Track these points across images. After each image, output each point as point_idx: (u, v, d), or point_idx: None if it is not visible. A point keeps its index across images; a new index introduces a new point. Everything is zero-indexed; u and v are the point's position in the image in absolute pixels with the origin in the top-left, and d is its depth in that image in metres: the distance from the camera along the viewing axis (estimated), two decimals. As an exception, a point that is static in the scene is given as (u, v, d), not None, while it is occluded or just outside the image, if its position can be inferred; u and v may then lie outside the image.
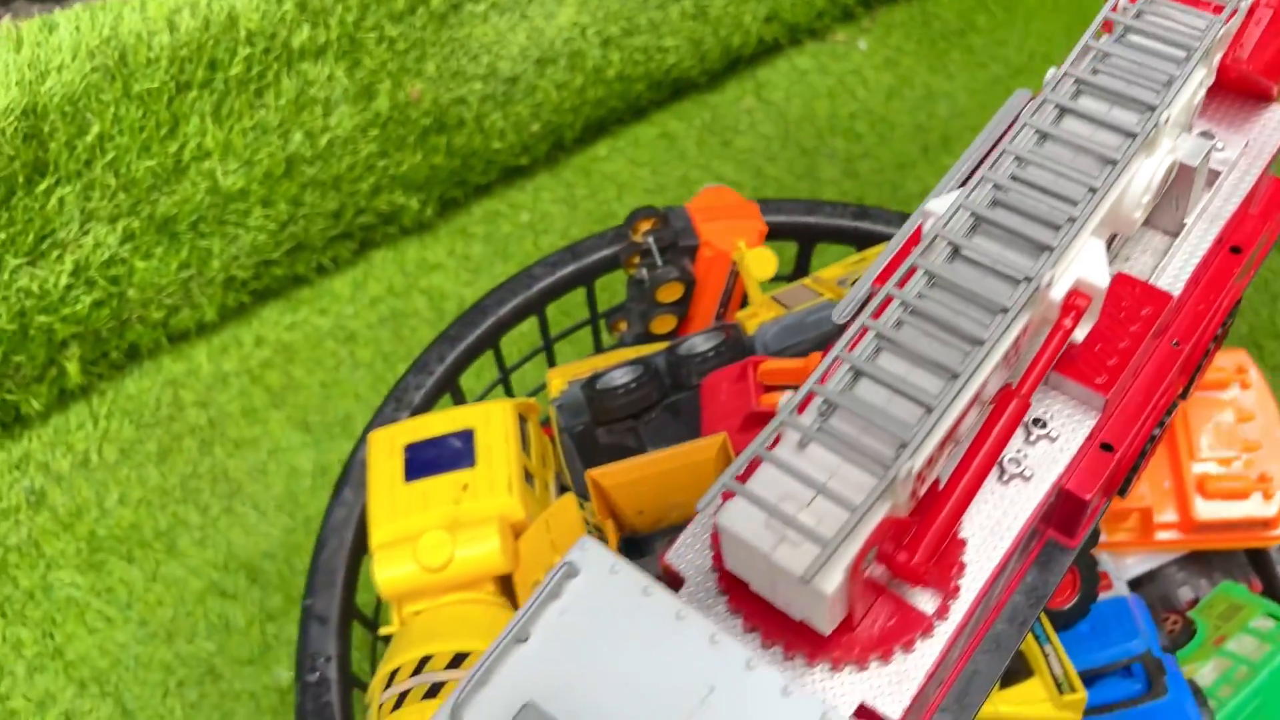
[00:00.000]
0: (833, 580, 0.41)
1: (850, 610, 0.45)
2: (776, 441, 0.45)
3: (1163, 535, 0.73)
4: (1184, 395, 0.60)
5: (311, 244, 1.32)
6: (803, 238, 0.92)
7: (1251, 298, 1.32)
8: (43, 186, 1.14)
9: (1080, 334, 0.49)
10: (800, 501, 0.42)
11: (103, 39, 1.13)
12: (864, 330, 0.46)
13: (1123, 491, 0.59)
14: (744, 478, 0.44)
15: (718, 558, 0.48)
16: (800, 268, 0.98)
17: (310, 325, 1.35)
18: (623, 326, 0.96)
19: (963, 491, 0.46)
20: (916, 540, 0.45)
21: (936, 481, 0.48)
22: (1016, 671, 0.58)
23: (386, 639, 0.75)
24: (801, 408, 0.44)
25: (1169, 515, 0.73)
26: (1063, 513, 0.55)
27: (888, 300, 0.47)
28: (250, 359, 1.33)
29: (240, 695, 1.14)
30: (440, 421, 0.76)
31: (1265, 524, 0.71)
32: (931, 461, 0.45)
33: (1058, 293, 0.47)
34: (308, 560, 1.18)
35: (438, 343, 0.86)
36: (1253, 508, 0.71)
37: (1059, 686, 0.57)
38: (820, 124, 1.52)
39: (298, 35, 1.20)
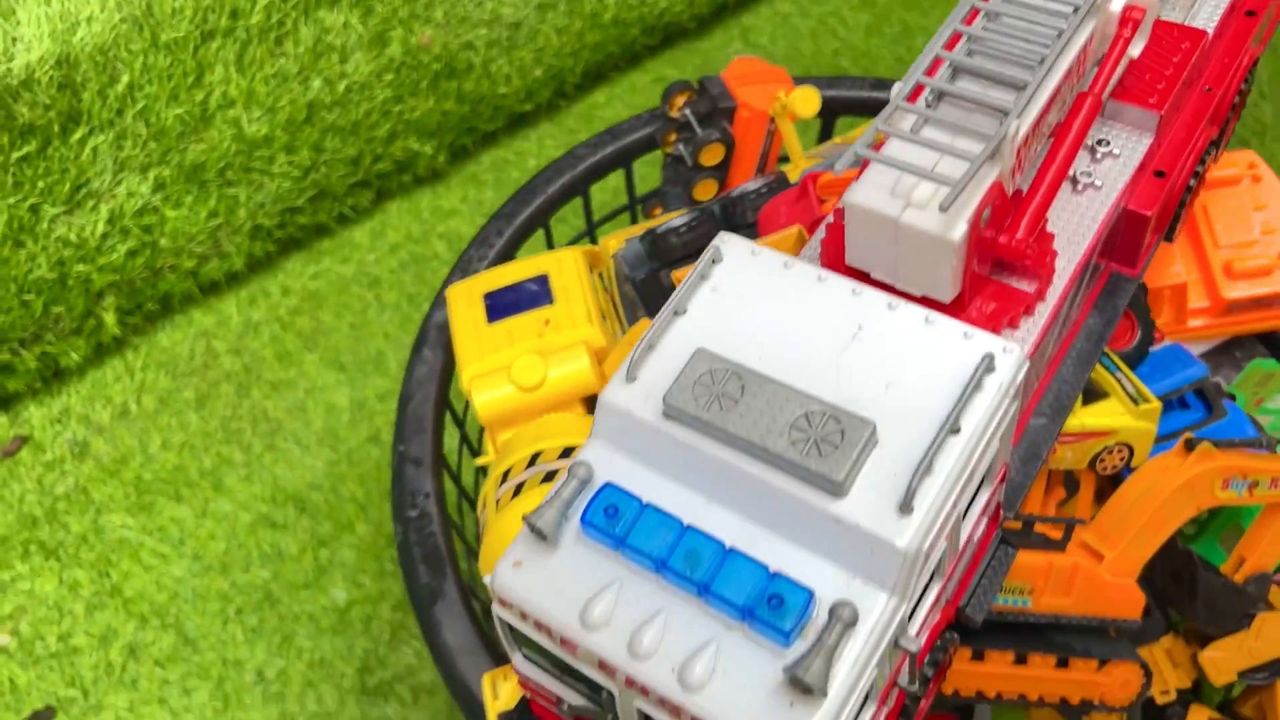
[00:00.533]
0: (959, 229, 0.46)
1: (963, 288, 0.50)
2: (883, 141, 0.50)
3: (1195, 323, 0.79)
4: (1217, 144, 0.66)
5: (333, 191, 1.36)
6: (825, 111, 0.98)
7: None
8: (77, 136, 1.18)
9: (1136, 48, 0.55)
10: (925, 165, 0.47)
11: (129, -10, 1.17)
12: (956, 36, 0.51)
13: (1170, 235, 0.65)
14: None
15: (830, 258, 0.52)
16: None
17: (334, 273, 1.39)
18: (658, 212, 1.01)
19: (1052, 178, 0.52)
20: (1016, 222, 0.51)
21: (1019, 191, 0.53)
22: (1093, 393, 0.63)
23: (482, 471, 0.78)
24: (911, 98, 0.50)
25: (1200, 301, 0.79)
26: (1125, 241, 0.60)
27: (957, 36, 0.52)
28: (279, 307, 1.36)
29: (299, 617, 1.16)
30: (515, 270, 0.80)
31: (1288, 297, 0.77)
32: (1027, 142, 0.50)
33: (1116, 5, 0.53)
34: (353, 489, 1.22)
35: (495, 219, 0.91)
36: (1276, 282, 0.77)
37: (1134, 400, 0.62)
38: (806, 62, 1.59)
39: (314, -17, 1.25)
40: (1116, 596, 0.60)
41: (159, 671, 1.13)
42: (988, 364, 0.44)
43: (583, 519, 0.44)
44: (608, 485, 0.44)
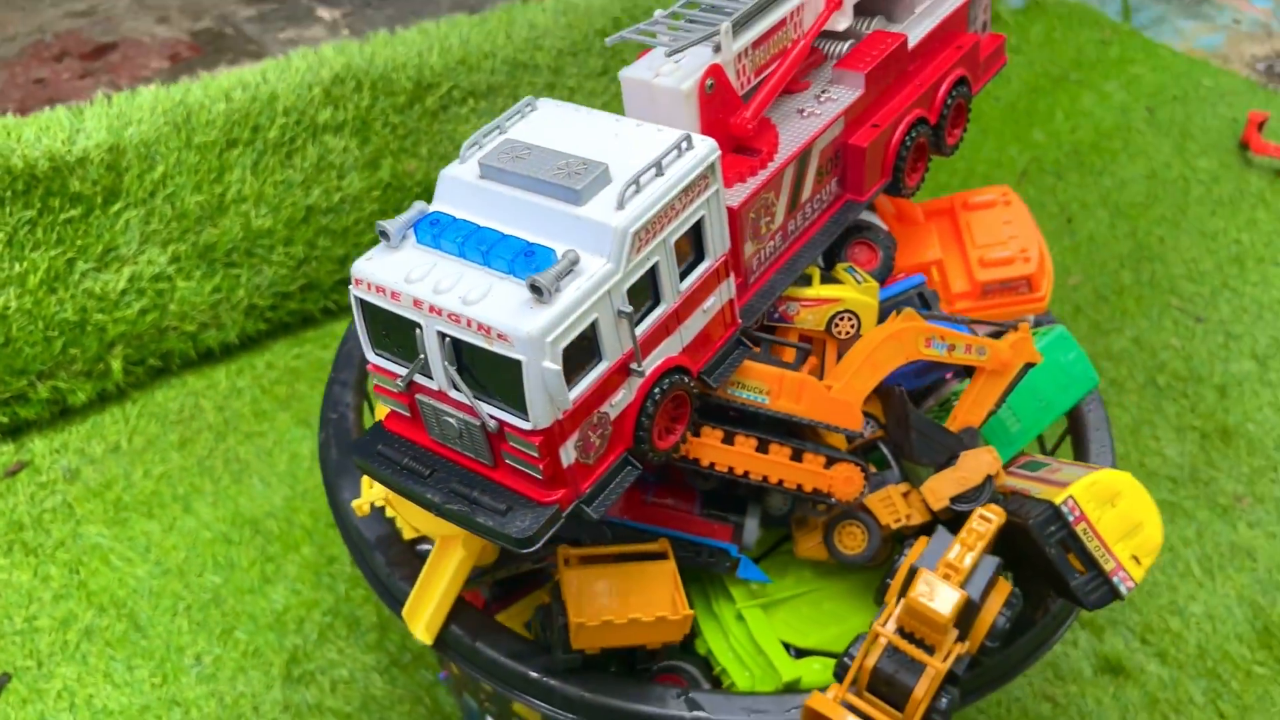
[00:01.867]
0: (687, 84, 0.70)
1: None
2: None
3: (960, 304, 1.01)
4: (937, 132, 0.91)
5: (321, 284, 1.62)
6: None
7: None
8: (115, 209, 1.45)
9: (840, 24, 0.82)
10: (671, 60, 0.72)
11: (174, 102, 1.49)
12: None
13: (896, 187, 0.88)
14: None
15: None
16: None
17: (315, 355, 1.62)
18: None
19: (769, 89, 0.76)
20: (743, 112, 0.75)
21: (753, 100, 0.77)
22: (831, 280, 0.84)
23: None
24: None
25: (962, 286, 1.01)
26: (851, 172, 0.84)
27: None
28: (262, 378, 1.58)
29: (240, 615, 1.31)
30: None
31: (1028, 280, 0.99)
32: (748, 53, 0.75)
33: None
34: (304, 519, 1.40)
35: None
36: (1018, 268, 0.99)
37: (859, 281, 0.83)
38: None
39: (322, 113, 1.57)
40: (840, 409, 0.78)
41: (108, 651, 1.27)
42: (688, 143, 0.66)
43: (414, 228, 0.65)
44: (434, 211, 0.66)
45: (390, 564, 0.86)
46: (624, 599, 0.76)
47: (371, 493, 0.86)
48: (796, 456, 0.78)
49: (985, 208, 1.05)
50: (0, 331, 1.39)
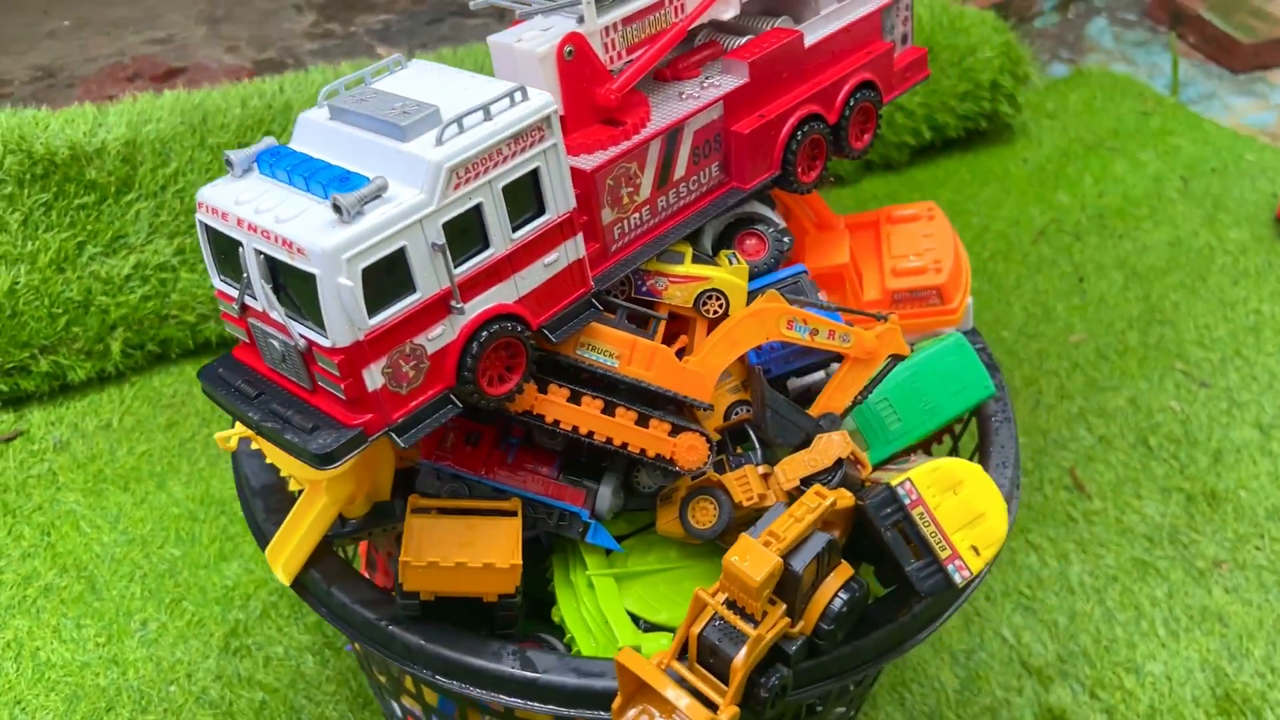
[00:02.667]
0: (544, 48, 0.74)
1: (568, 114, 0.77)
2: None
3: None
4: (837, 132, 0.92)
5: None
6: None
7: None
8: (127, 199, 1.54)
9: (725, 13, 0.84)
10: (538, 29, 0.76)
11: (193, 105, 1.58)
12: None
13: (787, 182, 0.90)
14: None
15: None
16: None
17: (307, 355, 1.68)
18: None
19: (639, 65, 0.79)
20: (610, 85, 0.78)
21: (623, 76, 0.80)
22: (705, 262, 0.85)
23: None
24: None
25: (874, 294, 1.01)
26: (735, 159, 0.86)
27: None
28: (255, 372, 1.65)
29: (191, 588, 1.35)
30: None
31: (938, 291, 0.99)
32: (616, 28, 0.78)
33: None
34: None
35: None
36: (928, 279, 0.99)
37: (732, 262, 0.84)
38: None
39: (333, 125, 1.64)
40: (690, 380, 0.79)
41: (62, 608, 1.32)
42: (523, 95, 0.69)
43: (256, 160, 0.69)
44: (276, 145, 0.70)
45: (268, 510, 0.89)
46: (460, 547, 0.78)
47: (237, 429, 0.89)
48: (642, 422, 0.79)
49: (908, 221, 1.05)
50: (8, 305, 1.48)
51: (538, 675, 0.77)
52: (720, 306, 0.83)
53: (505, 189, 0.69)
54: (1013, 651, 1.31)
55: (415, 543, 0.77)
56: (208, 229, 0.69)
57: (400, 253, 0.65)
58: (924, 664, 1.29)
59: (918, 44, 0.98)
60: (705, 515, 0.83)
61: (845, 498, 0.77)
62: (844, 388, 0.84)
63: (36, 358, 1.52)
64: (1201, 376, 1.70)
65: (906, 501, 0.75)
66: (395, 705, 1.05)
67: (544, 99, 0.70)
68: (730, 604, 0.73)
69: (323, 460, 0.65)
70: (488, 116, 0.68)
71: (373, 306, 0.64)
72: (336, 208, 0.63)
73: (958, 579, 0.75)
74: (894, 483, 0.76)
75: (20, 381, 1.53)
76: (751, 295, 0.86)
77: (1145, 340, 1.76)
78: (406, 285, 0.66)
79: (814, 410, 0.84)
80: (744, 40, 0.88)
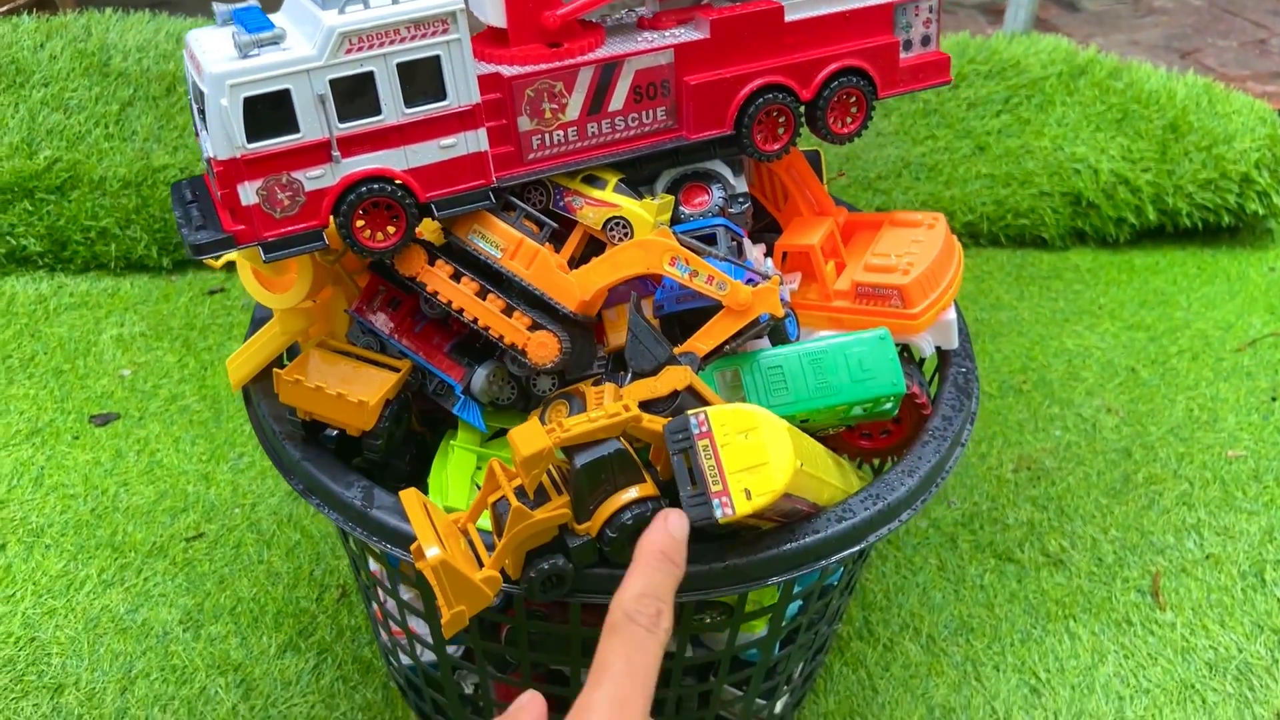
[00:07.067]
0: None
1: (513, 30, 0.87)
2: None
3: (837, 303, 1.01)
4: (812, 111, 0.95)
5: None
6: None
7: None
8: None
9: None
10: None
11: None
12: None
13: (741, 145, 0.94)
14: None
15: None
16: None
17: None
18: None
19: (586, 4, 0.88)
20: (558, 11, 0.87)
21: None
22: (625, 192, 0.91)
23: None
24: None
25: (843, 284, 1.01)
26: (684, 108, 0.92)
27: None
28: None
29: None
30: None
31: (900, 292, 0.97)
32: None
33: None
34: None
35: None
36: (892, 278, 0.98)
37: (650, 198, 0.90)
38: None
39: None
40: (561, 286, 0.84)
41: (188, 426, 1.58)
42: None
43: (232, 14, 0.85)
44: (251, 6, 0.85)
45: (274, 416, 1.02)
46: (335, 380, 0.89)
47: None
48: (508, 312, 0.87)
49: (906, 225, 1.05)
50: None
51: (370, 509, 0.87)
52: (624, 234, 0.90)
53: (401, 66, 0.80)
54: (998, 728, 1.23)
55: (300, 365, 0.90)
56: (186, 65, 0.86)
57: (286, 94, 0.77)
58: (899, 709, 1.25)
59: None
60: (558, 414, 0.89)
61: (656, 422, 0.81)
62: (712, 334, 0.87)
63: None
64: (1365, 530, 1.49)
65: (695, 432, 0.78)
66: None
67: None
68: (521, 490, 0.80)
69: (194, 250, 0.79)
70: (395, 1, 0.79)
71: (253, 133, 0.77)
72: (237, 45, 0.76)
73: (718, 514, 0.77)
74: (692, 413, 0.79)
75: (233, 247, 1.82)
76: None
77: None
78: (289, 125, 0.78)
79: (680, 349, 0.88)
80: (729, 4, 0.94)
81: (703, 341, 0.88)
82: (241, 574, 1.37)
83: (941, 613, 1.37)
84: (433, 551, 0.76)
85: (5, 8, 2.09)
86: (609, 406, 0.79)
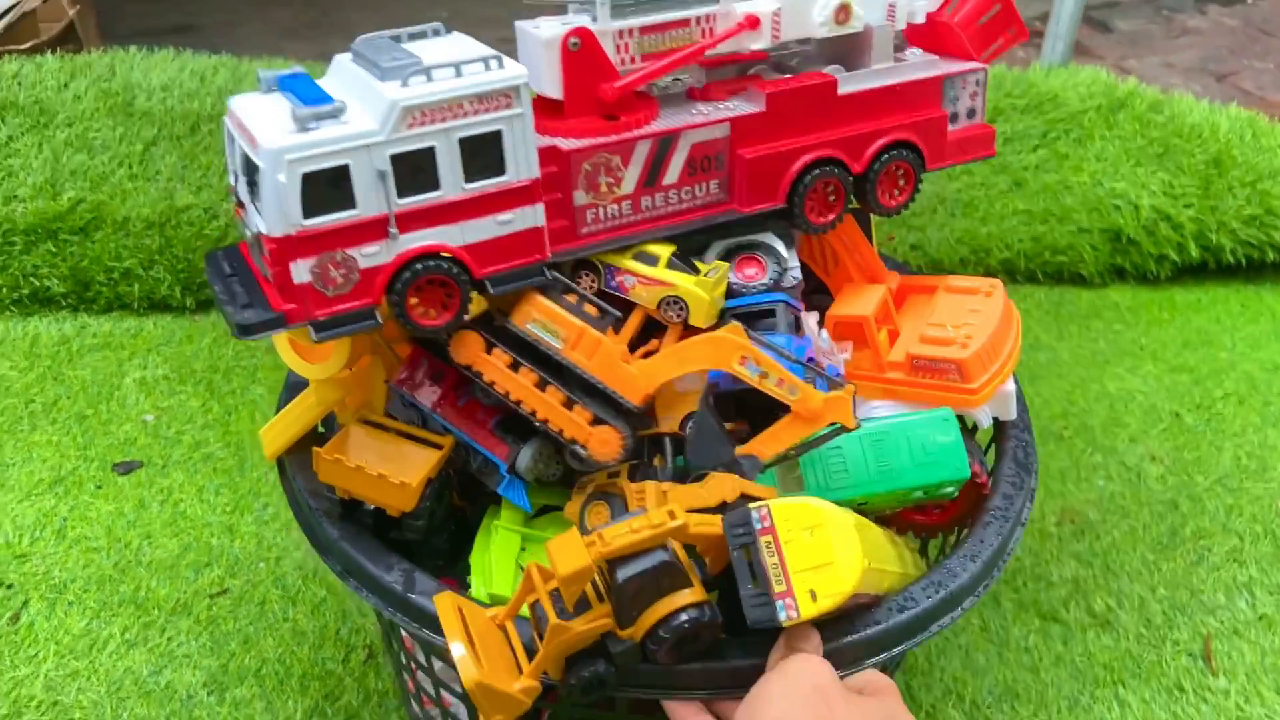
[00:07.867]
0: (552, 33, 0.81)
1: (571, 104, 0.84)
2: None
3: (891, 374, 0.98)
4: (862, 184, 0.92)
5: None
6: None
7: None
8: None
9: (754, 43, 0.88)
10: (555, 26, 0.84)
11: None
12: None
13: (792, 217, 0.91)
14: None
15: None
16: None
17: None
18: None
19: (649, 73, 0.85)
20: (617, 84, 0.84)
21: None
22: (679, 268, 0.88)
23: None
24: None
25: (898, 356, 0.98)
26: (737, 181, 0.89)
27: None
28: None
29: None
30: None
31: (958, 367, 0.94)
32: (630, 33, 0.84)
33: (739, 6, 0.87)
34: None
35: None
36: (951, 351, 0.94)
37: (706, 274, 0.86)
38: None
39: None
40: (625, 380, 0.81)
41: (212, 475, 1.55)
42: (499, 63, 0.77)
43: (277, 81, 0.82)
44: (299, 72, 0.82)
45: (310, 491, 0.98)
46: (376, 459, 0.86)
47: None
48: (568, 405, 0.84)
49: (963, 292, 1.02)
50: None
51: (410, 596, 0.84)
52: (679, 314, 0.86)
53: (463, 141, 0.77)
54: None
55: (339, 443, 0.87)
56: (227, 131, 0.83)
57: (344, 169, 0.74)
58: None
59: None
60: (598, 518, 0.85)
61: (713, 524, 0.77)
62: (779, 438, 0.83)
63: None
64: None
65: (757, 527, 0.75)
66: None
67: (516, 71, 0.77)
68: (556, 592, 0.76)
69: (240, 330, 0.76)
70: (458, 74, 0.76)
71: (310, 209, 0.74)
72: (295, 118, 0.74)
73: (783, 617, 0.73)
74: (753, 506, 0.75)
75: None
76: (727, 314, 0.89)
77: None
78: (347, 200, 0.75)
79: (745, 449, 0.84)
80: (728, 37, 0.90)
81: (767, 445, 0.84)
82: (266, 633, 1.33)
83: (985, 677, 1.33)
84: (468, 671, 0.72)
85: (28, 44, 2.07)
86: (653, 515, 0.75)
